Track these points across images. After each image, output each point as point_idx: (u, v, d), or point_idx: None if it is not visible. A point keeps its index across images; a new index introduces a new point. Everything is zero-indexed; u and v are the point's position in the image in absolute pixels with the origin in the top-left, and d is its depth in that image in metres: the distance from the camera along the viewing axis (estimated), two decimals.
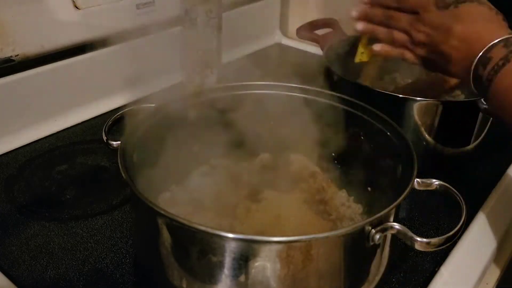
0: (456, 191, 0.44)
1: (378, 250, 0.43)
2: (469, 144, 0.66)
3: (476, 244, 0.55)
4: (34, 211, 0.57)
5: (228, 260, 0.38)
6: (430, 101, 0.63)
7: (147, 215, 0.43)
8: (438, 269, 0.51)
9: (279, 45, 1.10)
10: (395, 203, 0.40)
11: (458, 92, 0.76)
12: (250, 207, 0.52)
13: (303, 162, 0.58)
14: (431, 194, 0.46)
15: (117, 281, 0.48)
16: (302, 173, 0.57)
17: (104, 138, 0.49)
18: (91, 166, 0.65)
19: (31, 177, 0.62)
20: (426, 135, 0.63)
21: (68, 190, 0.60)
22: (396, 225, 0.40)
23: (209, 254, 0.39)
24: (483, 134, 0.66)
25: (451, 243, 0.41)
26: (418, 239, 0.39)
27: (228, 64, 0.86)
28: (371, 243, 0.40)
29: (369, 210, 0.53)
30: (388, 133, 0.51)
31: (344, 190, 0.56)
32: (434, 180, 0.46)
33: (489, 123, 0.66)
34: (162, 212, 0.38)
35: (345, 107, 0.56)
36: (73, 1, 0.69)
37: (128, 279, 0.48)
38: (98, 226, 0.55)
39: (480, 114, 0.63)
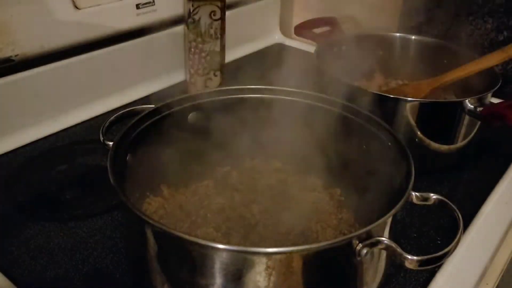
0: (454, 207, 0.42)
1: (370, 265, 0.42)
2: (457, 143, 0.66)
3: (476, 243, 0.55)
4: (34, 211, 0.57)
5: (206, 269, 0.38)
6: (422, 101, 0.63)
7: (134, 221, 0.43)
8: (438, 269, 0.51)
9: (279, 45, 1.10)
10: (384, 217, 0.38)
11: (450, 92, 0.76)
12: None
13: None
14: (428, 206, 0.45)
15: (117, 281, 0.48)
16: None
17: (101, 138, 0.49)
18: (91, 166, 0.65)
19: (31, 177, 0.62)
20: (418, 135, 0.63)
21: (68, 190, 0.60)
22: (385, 240, 0.38)
23: (193, 263, 0.38)
24: (472, 134, 0.66)
25: (443, 261, 0.39)
26: (408, 256, 0.37)
27: (227, 64, 0.86)
28: (358, 258, 0.38)
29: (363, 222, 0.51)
30: (389, 143, 0.49)
31: (338, 199, 0.55)
32: (432, 194, 0.43)
33: (478, 124, 0.66)
34: (147, 219, 0.38)
35: (344, 113, 0.54)
36: (73, 1, 0.69)
37: (128, 279, 0.48)
38: (98, 226, 0.55)
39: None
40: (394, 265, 0.49)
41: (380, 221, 0.38)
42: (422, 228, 0.57)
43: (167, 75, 0.87)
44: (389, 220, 0.40)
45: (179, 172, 0.56)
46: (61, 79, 0.72)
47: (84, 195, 0.60)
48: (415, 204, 0.44)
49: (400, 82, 0.82)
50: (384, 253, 0.43)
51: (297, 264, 0.37)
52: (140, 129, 0.50)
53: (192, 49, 0.79)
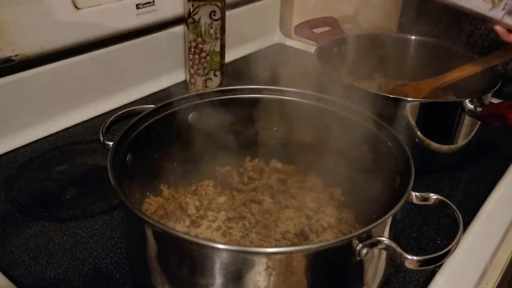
0: (454, 207, 0.42)
1: (370, 265, 0.42)
2: (457, 143, 0.66)
3: (476, 243, 0.55)
4: (34, 211, 0.57)
5: (206, 269, 0.38)
6: (422, 101, 0.63)
7: (134, 221, 0.43)
8: (438, 269, 0.51)
9: (279, 45, 1.10)
10: (384, 217, 0.38)
11: (450, 92, 0.76)
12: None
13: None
14: (428, 206, 0.44)
15: (117, 281, 0.48)
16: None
17: (101, 138, 0.49)
18: (91, 166, 0.65)
19: (31, 177, 0.62)
20: (418, 135, 0.63)
21: (68, 190, 0.60)
22: (385, 240, 0.38)
23: (192, 262, 0.38)
24: (472, 134, 0.66)
25: (443, 261, 0.39)
26: (408, 256, 0.37)
27: (227, 64, 0.86)
28: (358, 258, 0.38)
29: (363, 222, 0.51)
30: (389, 143, 0.49)
31: (338, 199, 0.55)
32: (432, 194, 0.43)
33: (478, 124, 0.66)
34: (147, 219, 0.38)
35: (344, 113, 0.54)
36: (73, 1, 0.69)
37: (128, 279, 0.48)
38: (98, 226, 0.55)
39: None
40: (394, 265, 0.49)
41: (380, 221, 0.38)
42: (422, 228, 0.57)
43: (167, 75, 0.87)
44: (389, 220, 0.40)
45: (179, 172, 0.56)
46: (61, 79, 0.72)
47: (84, 195, 0.60)
48: (415, 204, 0.44)
49: (400, 82, 0.82)
50: (384, 253, 0.43)
51: (297, 264, 0.37)
52: (140, 129, 0.50)
53: (192, 49, 0.79)
